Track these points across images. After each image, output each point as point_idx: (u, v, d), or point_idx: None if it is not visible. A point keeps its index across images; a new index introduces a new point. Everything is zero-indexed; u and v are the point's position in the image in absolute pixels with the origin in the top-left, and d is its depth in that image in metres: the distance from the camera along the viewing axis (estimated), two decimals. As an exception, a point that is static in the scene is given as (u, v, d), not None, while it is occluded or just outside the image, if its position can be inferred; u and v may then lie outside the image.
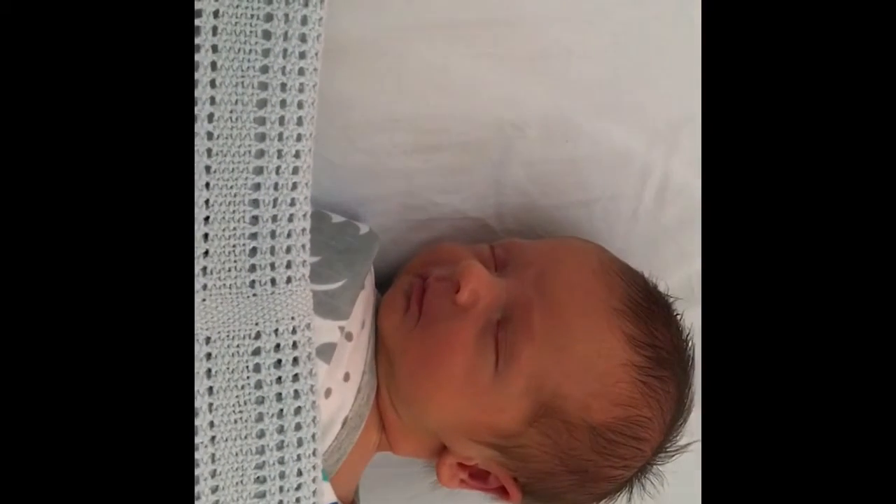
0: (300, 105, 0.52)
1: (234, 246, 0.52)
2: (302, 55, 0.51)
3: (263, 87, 0.51)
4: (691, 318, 0.71)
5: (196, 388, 0.51)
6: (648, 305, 0.62)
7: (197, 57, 0.49)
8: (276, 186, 0.52)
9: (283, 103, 0.52)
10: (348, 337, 0.58)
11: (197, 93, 0.49)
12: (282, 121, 0.52)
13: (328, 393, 0.56)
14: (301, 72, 0.52)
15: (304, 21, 0.51)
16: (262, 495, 0.53)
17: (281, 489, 0.54)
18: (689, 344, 0.64)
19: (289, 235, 0.53)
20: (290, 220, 0.53)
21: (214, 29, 0.50)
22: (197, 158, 0.50)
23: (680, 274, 0.72)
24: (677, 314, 0.64)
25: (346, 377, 0.58)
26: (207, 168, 0.51)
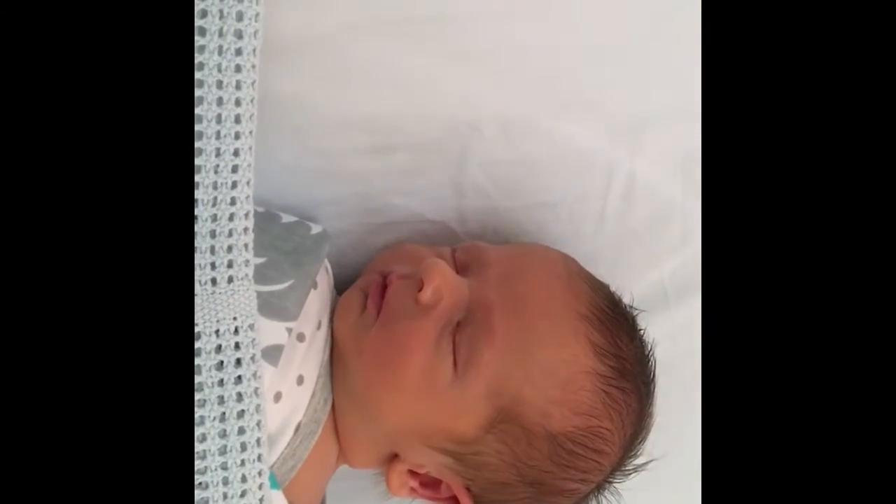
0: (237, 102, 0.51)
1: (172, 245, 0.51)
2: (238, 52, 0.51)
3: (199, 84, 0.51)
4: (665, 320, 0.70)
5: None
6: (614, 315, 0.60)
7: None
8: (215, 185, 0.52)
9: (219, 101, 0.51)
10: (299, 338, 0.57)
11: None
12: (219, 118, 0.51)
13: (277, 397, 0.55)
14: (237, 69, 0.51)
15: (240, 17, 0.51)
16: (204, 502, 0.52)
17: (224, 496, 0.52)
18: (652, 359, 0.62)
19: (230, 235, 0.52)
20: (231, 219, 0.52)
21: (147, 26, 0.50)
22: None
23: (651, 276, 0.71)
24: (641, 328, 0.63)
25: (300, 380, 0.57)
26: (142, 166, 0.50)
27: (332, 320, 0.60)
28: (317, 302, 0.59)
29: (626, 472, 0.62)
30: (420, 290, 0.57)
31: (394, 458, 0.60)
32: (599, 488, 0.62)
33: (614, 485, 0.63)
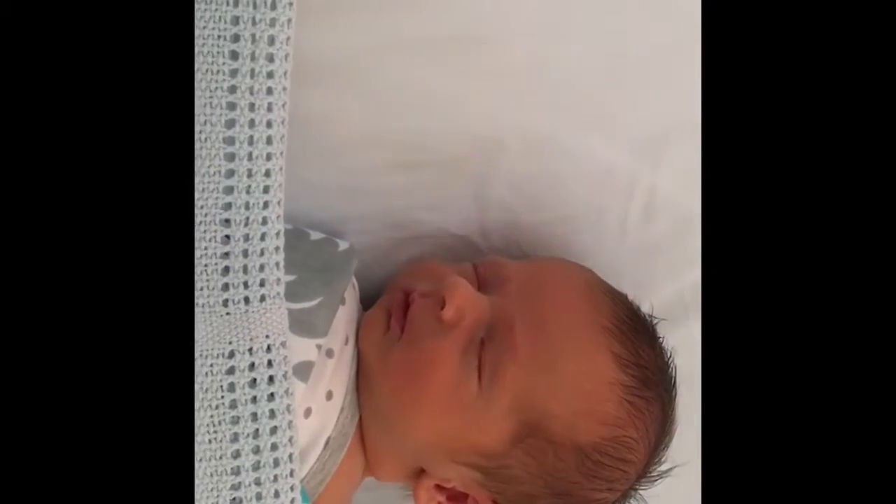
0: (269, 124, 0.52)
1: (206, 265, 0.52)
2: (270, 75, 0.52)
3: (232, 107, 0.52)
4: (684, 332, 0.71)
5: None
6: (634, 325, 0.61)
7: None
8: (247, 206, 0.53)
9: (251, 123, 0.52)
10: (328, 354, 0.58)
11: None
12: (251, 140, 0.52)
13: (308, 412, 0.56)
14: (269, 91, 0.52)
15: (272, 41, 0.51)
16: (238, 517, 0.53)
17: (258, 511, 0.53)
18: (672, 366, 0.63)
19: (261, 254, 0.53)
20: (263, 238, 0.53)
21: (181, 51, 0.50)
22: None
23: (671, 288, 0.71)
24: (660, 336, 0.64)
25: (329, 395, 0.58)
26: (177, 188, 0.51)
27: (358, 336, 0.61)
28: (344, 318, 0.60)
29: (652, 479, 0.63)
30: (442, 308, 0.58)
31: (420, 472, 0.61)
32: (626, 496, 0.63)
33: (639, 492, 0.63)
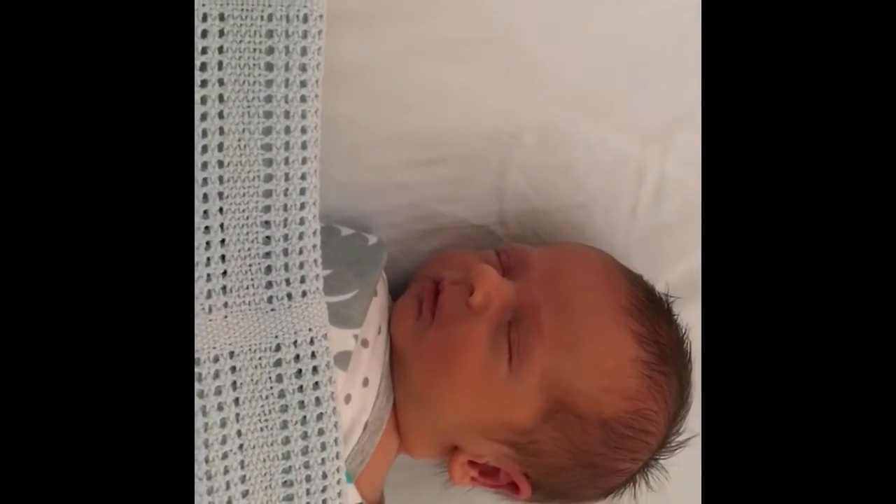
0: (304, 130, 0.55)
1: (250, 265, 0.55)
2: (303, 83, 0.55)
3: (268, 115, 0.55)
4: (694, 311, 0.74)
5: (223, 400, 0.54)
6: (651, 304, 0.65)
7: (205, 91, 0.53)
8: (285, 207, 0.56)
9: (287, 129, 0.55)
10: (364, 343, 0.61)
11: (206, 124, 0.53)
12: (287, 146, 0.55)
13: (348, 399, 0.59)
14: (303, 99, 0.55)
15: (304, 52, 0.54)
16: (290, 498, 0.56)
17: (308, 492, 0.57)
18: (688, 341, 0.67)
19: (301, 252, 0.56)
20: (301, 237, 0.56)
21: (220, 64, 0.53)
22: (210, 186, 0.54)
23: (681, 268, 0.75)
24: (675, 314, 0.67)
25: (366, 382, 0.61)
26: (220, 194, 0.54)
27: (390, 325, 0.65)
28: (377, 308, 0.63)
29: (671, 449, 0.67)
30: (471, 294, 0.61)
31: (454, 449, 0.65)
32: (647, 466, 0.66)
33: (660, 462, 0.67)
